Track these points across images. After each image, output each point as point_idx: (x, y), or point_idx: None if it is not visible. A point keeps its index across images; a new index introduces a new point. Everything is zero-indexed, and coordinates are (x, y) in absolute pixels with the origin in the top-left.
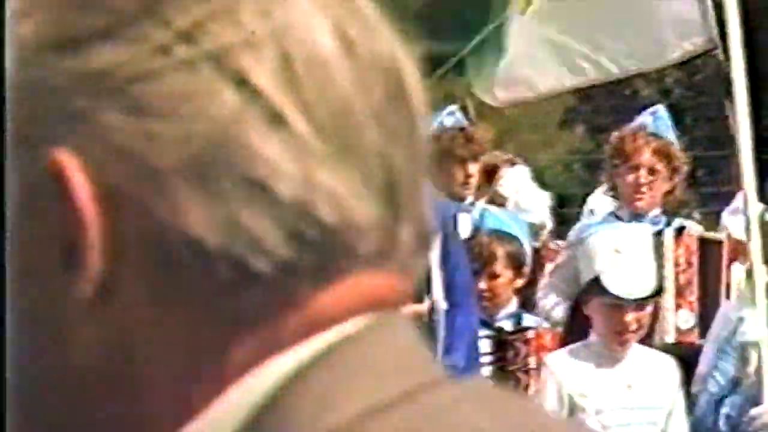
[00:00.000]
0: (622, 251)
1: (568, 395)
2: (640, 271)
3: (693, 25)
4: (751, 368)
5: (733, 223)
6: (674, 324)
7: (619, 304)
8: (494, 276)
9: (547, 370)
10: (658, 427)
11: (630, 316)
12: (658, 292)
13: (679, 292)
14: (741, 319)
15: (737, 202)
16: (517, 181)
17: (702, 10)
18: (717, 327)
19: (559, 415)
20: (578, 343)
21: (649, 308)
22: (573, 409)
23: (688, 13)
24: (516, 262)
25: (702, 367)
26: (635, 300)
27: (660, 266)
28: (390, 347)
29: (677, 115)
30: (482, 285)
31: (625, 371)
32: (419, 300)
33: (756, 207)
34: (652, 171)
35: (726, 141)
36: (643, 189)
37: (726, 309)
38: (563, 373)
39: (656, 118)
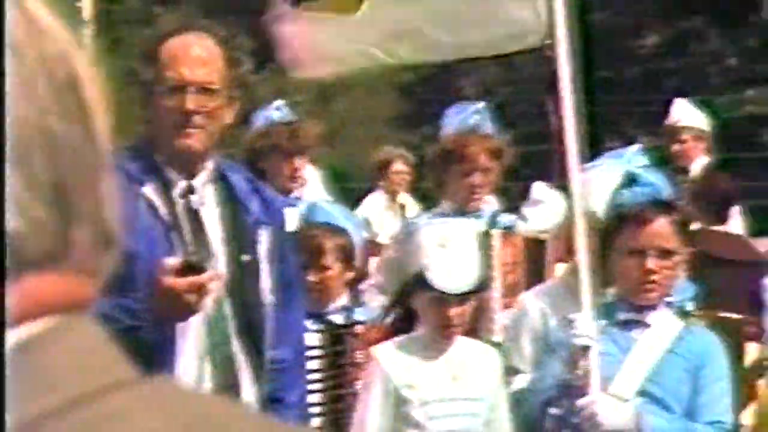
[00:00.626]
0: (447, 246)
1: (395, 387)
2: (464, 266)
3: (523, 23)
4: (580, 371)
5: (533, 215)
6: (501, 323)
7: (442, 298)
8: (324, 269)
9: (374, 363)
10: (481, 419)
11: (453, 311)
12: (482, 287)
13: (507, 292)
14: (570, 322)
15: (536, 194)
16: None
17: (534, 8)
18: (529, 322)
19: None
20: (405, 336)
21: (473, 303)
22: (399, 401)
23: (519, 10)
24: (346, 256)
25: (522, 365)
26: (458, 294)
27: (486, 262)
28: (70, 350)
29: (500, 112)
30: (312, 278)
31: (450, 363)
32: (246, 293)
33: (581, 204)
34: (485, 171)
35: (547, 137)
36: (478, 190)
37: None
38: (390, 365)
39: (483, 117)
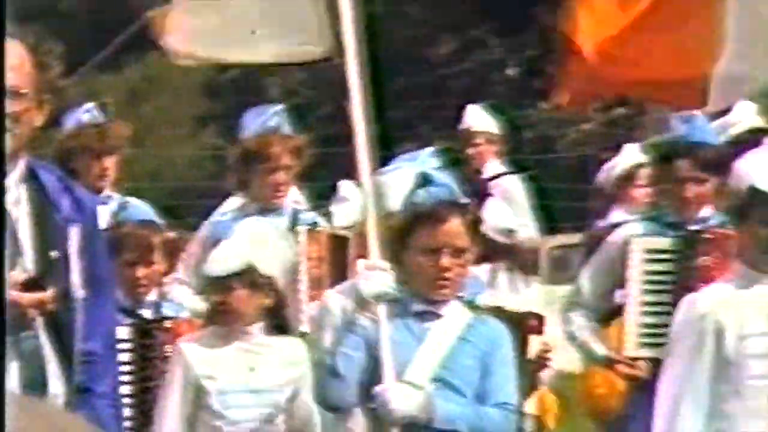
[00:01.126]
0: (255, 242)
1: (195, 377)
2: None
3: (313, 32)
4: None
5: (338, 212)
6: (308, 315)
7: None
8: (150, 264)
9: (177, 355)
10: (279, 408)
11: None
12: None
13: (313, 285)
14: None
15: (343, 192)
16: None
17: (321, 17)
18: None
19: None
20: (207, 329)
21: (270, 295)
22: (199, 390)
23: (309, 18)
24: (170, 251)
25: (326, 357)
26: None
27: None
28: None
29: (303, 114)
30: (139, 273)
31: (249, 354)
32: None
33: (374, 203)
34: (287, 169)
35: (346, 139)
36: (281, 188)
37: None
38: (191, 356)
39: (282, 119)
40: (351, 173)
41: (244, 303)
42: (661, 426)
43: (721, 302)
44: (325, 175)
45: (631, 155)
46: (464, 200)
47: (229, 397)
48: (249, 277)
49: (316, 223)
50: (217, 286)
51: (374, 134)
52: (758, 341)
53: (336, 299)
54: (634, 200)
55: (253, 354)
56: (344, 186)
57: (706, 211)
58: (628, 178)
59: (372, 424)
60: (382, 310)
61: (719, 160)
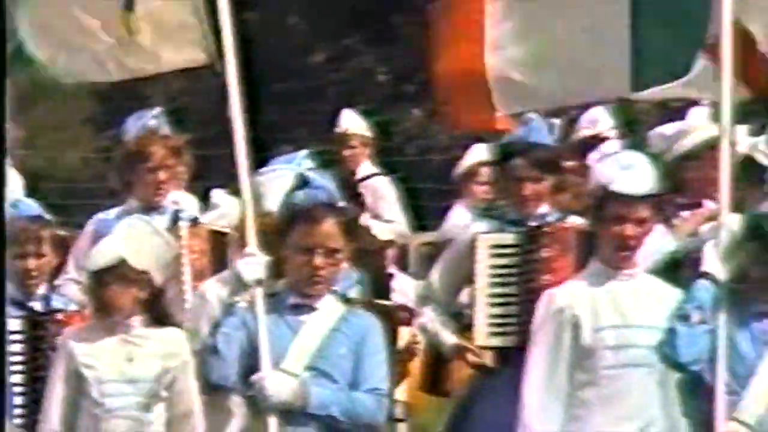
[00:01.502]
0: (128, 238)
1: (76, 367)
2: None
3: (196, 40)
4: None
5: (212, 217)
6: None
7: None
8: (39, 256)
9: (61, 346)
10: (156, 397)
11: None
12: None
13: (196, 278)
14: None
15: (215, 199)
16: None
17: (202, 26)
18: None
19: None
20: (92, 321)
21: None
22: (80, 380)
23: (191, 27)
24: (58, 245)
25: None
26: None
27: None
28: None
29: (183, 117)
30: (30, 265)
31: (128, 346)
32: None
33: (253, 204)
34: (167, 168)
35: (224, 141)
36: (162, 186)
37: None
38: (75, 347)
39: (161, 121)
40: (231, 174)
41: (118, 296)
42: (525, 412)
43: (577, 297)
44: (207, 175)
45: (474, 154)
46: (340, 202)
47: (107, 386)
48: (121, 271)
49: (197, 219)
50: (94, 280)
51: (251, 137)
52: (611, 333)
53: (214, 287)
54: (475, 196)
55: (131, 345)
56: (216, 194)
57: (543, 208)
58: (469, 175)
59: (250, 410)
60: (259, 296)
61: (554, 160)
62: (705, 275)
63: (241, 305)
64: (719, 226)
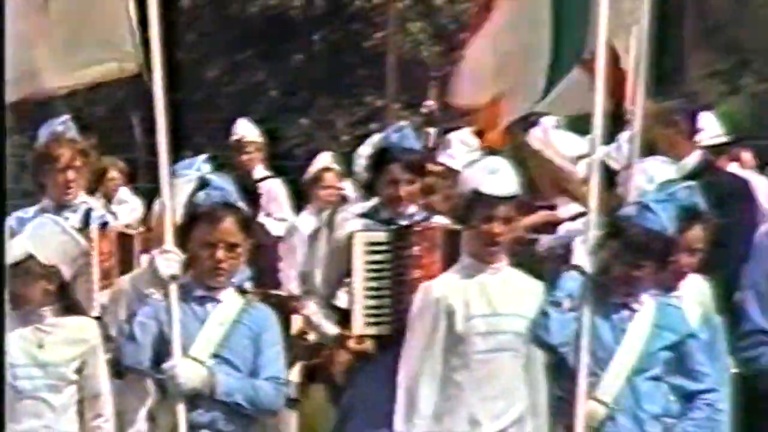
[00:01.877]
0: (35, 236)
1: None
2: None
3: (128, 52)
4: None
5: (120, 212)
6: (98, 302)
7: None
8: None
9: None
10: (65, 381)
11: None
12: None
13: (103, 276)
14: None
15: (122, 196)
16: None
17: (131, 36)
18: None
19: None
20: (7, 312)
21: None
22: None
23: (118, 36)
24: None
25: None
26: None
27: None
28: None
29: (91, 123)
30: None
31: (39, 333)
32: None
33: (168, 198)
34: (76, 169)
35: (134, 146)
36: (72, 185)
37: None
38: None
39: (68, 126)
40: (135, 177)
41: (29, 289)
42: (403, 393)
43: (451, 289)
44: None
45: (320, 161)
46: (238, 201)
47: (18, 370)
48: (30, 266)
49: (106, 222)
50: (8, 274)
51: (152, 143)
52: (481, 321)
53: (128, 282)
54: (321, 200)
55: (42, 333)
56: (123, 191)
57: (412, 209)
58: (315, 180)
59: (160, 393)
60: (173, 290)
61: (423, 164)
62: (574, 267)
63: (155, 296)
64: (588, 225)
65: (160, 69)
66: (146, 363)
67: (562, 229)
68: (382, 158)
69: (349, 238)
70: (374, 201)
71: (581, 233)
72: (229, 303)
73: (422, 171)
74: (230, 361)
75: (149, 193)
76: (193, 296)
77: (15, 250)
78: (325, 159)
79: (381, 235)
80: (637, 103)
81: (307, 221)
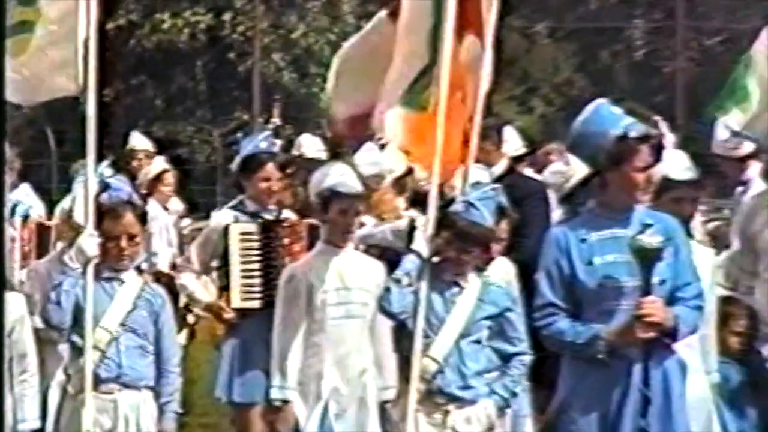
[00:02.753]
0: None
1: None
2: None
3: (76, 74)
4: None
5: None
6: (17, 278)
7: None
8: None
9: None
10: None
11: None
12: None
13: (23, 257)
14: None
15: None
16: None
17: (78, 62)
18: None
19: None
20: None
21: None
22: None
23: (68, 63)
24: None
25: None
26: None
27: None
28: None
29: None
30: None
31: None
32: None
33: (91, 192)
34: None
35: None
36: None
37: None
38: None
39: None
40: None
41: None
42: (275, 356)
43: (310, 269)
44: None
45: (156, 164)
46: (136, 199)
47: None
48: None
49: (27, 214)
50: None
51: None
52: (334, 294)
53: (43, 265)
54: (162, 194)
55: None
56: (23, 187)
57: (277, 204)
58: (157, 179)
59: (75, 352)
60: (91, 267)
61: (287, 166)
62: (413, 251)
63: (76, 272)
64: (429, 217)
65: (94, 89)
66: (67, 324)
67: (379, 227)
68: (253, 160)
69: (225, 227)
70: (241, 197)
71: (391, 230)
72: (131, 283)
73: (286, 170)
74: (134, 329)
75: (64, 192)
76: (102, 276)
77: None
78: (160, 162)
79: (251, 226)
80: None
81: (154, 208)
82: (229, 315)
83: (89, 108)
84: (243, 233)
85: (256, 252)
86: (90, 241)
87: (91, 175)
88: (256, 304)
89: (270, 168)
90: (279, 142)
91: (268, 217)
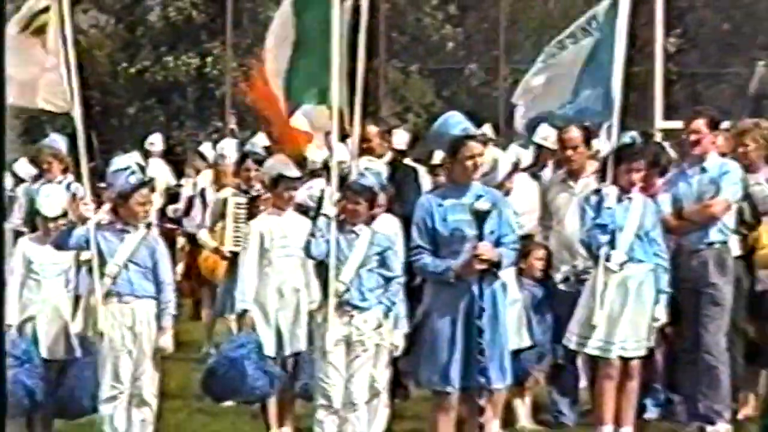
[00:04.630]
0: None
1: None
2: None
3: (64, 95)
4: None
5: None
6: None
7: None
8: None
9: None
10: None
11: None
12: None
13: None
14: None
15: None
16: None
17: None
18: None
19: None
20: None
21: None
22: None
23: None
24: None
25: None
26: None
27: None
28: None
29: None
30: None
31: None
32: None
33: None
34: None
35: None
36: None
37: None
38: None
39: None
40: None
41: None
42: (240, 278)
43: (264, 223)
44: None
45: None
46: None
47: None
48: None
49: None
50: None
51: None
52: (281, 240)
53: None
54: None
55: None
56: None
57: (257, 186)
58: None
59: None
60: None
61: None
62: (323, 214)
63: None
64: (333, 188)
65: (79, 107)
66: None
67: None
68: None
69: (224, 200)
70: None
71: (309, 197)
72: (138, 233)
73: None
74: (137, 263)
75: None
76: (115, 228)
77: None
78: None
79: (242, 199)
80: (355, 128)
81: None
82: (226, 255)
83: (78, 127)
84: (236, 204)
85: (243, 215)
86: (87, 208)
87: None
88: (238, 249)
89: (249, 163)
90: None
91: (254, 193)
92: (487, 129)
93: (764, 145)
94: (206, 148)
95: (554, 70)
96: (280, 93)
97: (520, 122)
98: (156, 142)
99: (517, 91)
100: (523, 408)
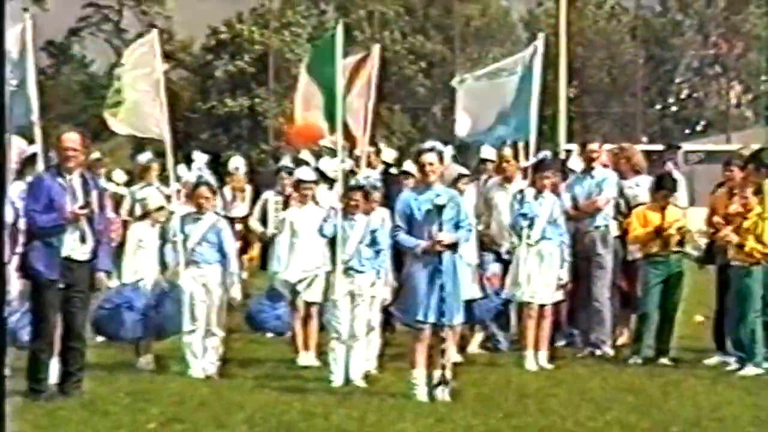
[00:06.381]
0: None
1: None
2: None
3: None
4: None
5: None
6: None
7: None
8: None
9: None
10: None
11: None
12: None
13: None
14: None
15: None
16: None
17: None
18: None
19: None
20: None
21: None
22: None
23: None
24: None
25: None
26: None
27: None
28: None
29: None
30: None
31: None
32: None
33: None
34: None
35: None
36: None
37: None
38: None
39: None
40: None
41: None
42: (275, 255)
43: (294, 214)
44: None
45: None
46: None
47: None
48: None
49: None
50: None
51: None
52: (302, 225)
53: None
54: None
55: None
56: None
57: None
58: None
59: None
60: (175, 210)
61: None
62: (333, 208)
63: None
64: (340, 187)
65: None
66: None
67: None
68: (278, 170)
69: (266, 199)
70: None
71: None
72: (208, 219)
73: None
74: (208, 240)
75: None
76: (192, 216)
77: None
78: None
79: (279, 198)
80: (363, 151)
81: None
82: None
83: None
84: (275, 201)
85: (279, 209)
86: (158, 197)
87: (172, 170)
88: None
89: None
90: None
91: (286, 194)
92: (449, 150)
93: (630, 162)
94: (286, 160)
95: (489, 93)
96: (314, 122)
97: (461, 132)
98: (240, 165)
99: (461, 99)
100: (477, 339)
